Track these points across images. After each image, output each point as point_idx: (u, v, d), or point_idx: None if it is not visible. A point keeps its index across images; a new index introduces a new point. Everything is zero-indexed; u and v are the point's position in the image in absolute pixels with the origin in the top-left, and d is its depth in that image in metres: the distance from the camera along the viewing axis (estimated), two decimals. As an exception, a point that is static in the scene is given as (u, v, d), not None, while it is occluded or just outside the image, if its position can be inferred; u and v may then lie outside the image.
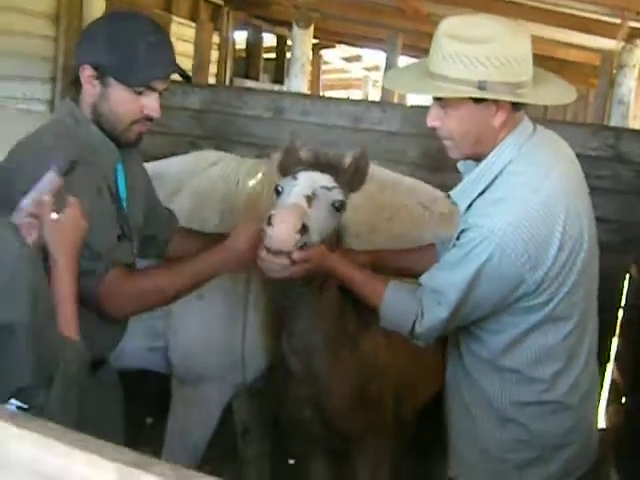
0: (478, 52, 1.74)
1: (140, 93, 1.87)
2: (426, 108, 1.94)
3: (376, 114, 4.25)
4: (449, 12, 5.81)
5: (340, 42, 11.18)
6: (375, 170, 2.37)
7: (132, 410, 2.37)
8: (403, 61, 7.76)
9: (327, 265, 2.02)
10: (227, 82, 8.75)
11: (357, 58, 13.34)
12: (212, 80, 8.50)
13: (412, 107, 4.64)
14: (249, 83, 9.26)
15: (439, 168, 3.48)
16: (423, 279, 1.93)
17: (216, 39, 8.48)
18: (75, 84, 1.94)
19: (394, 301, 1.96)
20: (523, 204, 1.79)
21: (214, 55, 8.52)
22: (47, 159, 1.77)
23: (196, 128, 4.64)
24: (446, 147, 1.91)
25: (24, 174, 1.76)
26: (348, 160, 2.19)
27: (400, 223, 2.72)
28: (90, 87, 1.89)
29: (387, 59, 7.05)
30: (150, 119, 1.92)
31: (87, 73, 1.88)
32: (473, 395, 2.03)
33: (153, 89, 1.89)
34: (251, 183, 2.60)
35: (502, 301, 1.85)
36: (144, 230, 2.18)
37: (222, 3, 8.27)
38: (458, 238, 1.87)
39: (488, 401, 1.98)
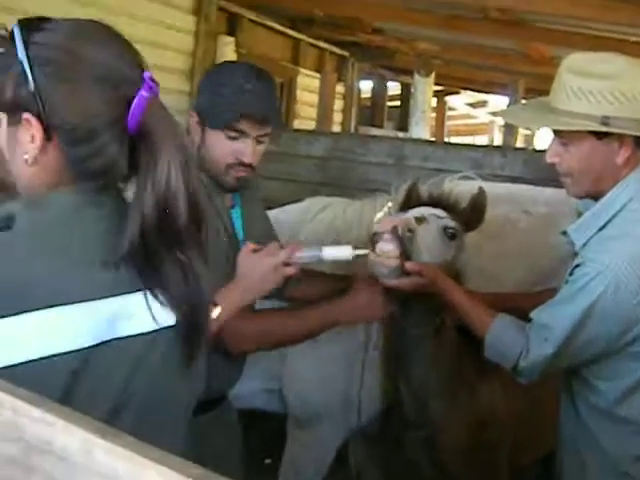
0: (602, 87, 1.73)
1: (234, 138, 1.91)
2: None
3: (497, 159, 4.21)
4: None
5: (465, 88, 11.16)
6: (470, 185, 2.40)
7: (250, 449, 2.44)
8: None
9: (439, 285, 2.00)
10: (352, 130, 8.91)
11: (482, 104, 13.19)
12: (338, 129, 8.71)
13: (534, 151, 4.57)
14: (374, 131, 9.39)
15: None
16: (534, 314, 1.88)
17: (342, 89, 8.71)
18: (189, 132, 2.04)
19: (501, 332, 1.92)
20: None
21: (340, 104, 8.74)
22: None
23: (319, 175, 4.76)
24: (565, 184, 1.89)
25: None
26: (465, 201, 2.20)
27: (506, 237, 2.67)
28: (195, 133, 1.97)
29: (509, 104, 6.99)
30: (246, 165, 1.95)
31: (192, 120, 1.97)
32: (587, 445, 1.93)
33: (246, 134, 1.92)
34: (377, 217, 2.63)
35: (614, 342, 1.78)
36: None
37: (347, 55, 8.49)
38: (572, 274, 1.83)
39: (603, 452, 1.89)
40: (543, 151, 4.05)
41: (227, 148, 1.92)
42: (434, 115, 12.02)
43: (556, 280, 2.54)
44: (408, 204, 2.22)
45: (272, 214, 2.94)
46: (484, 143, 13.97)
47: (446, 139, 13.52)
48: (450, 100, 12.52)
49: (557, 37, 5.12)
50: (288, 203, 3.17)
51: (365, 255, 1.94)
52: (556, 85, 1.82)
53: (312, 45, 7.78)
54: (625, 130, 1.74)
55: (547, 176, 4.02)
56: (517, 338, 1.87)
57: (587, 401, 1.92)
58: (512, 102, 6.80)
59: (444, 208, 2.15)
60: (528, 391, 2.52)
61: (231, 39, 6.23)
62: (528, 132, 16.73)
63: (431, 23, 5.76)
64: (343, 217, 2.72)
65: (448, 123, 13.38)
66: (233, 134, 1.91)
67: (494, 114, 13.65)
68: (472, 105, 13.49)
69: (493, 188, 2.59)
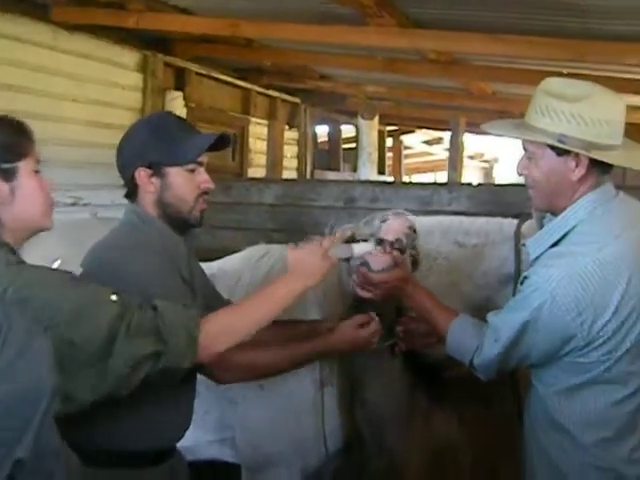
0: (564, 108, 1.89)
1: (193, 171, 2.06)
2: (490, 187, 2.06)
3: (444, 196, 4.31)
4: (513, 89, 5.93)
5: (419, 127, 11.39)
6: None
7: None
8: (467, 139, 7.85)
9: (409, 284, 2.21)
10: (308, 174, 9.03)
11: (438, 140, 13.43)
12: (294, 174, 8.82)
13: (478, 186, 4.67)
14: (330, 174, 9.53)
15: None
16: (489, 315, 2.06)
17: (296, 135, 8.85)
18: (130, 194, 2.11)
19: (461, 329, 2.11)
20: (582, 260, 1.85)
21: (295, 150, 8.88)
22: (136, 257, 1.94)
23: (271, 222, 4.82)
24: (531, 197, 2.07)
25: (117, 275, 1.89)
26: None
27: (440, 271, 2.69)
28: (150, 186, 2.06)
29: (452, 138, 7.17)
30: (206, 193, 2.11)
31: (143, 174, 2.04)
32: (539, 459, 2.04)
33: (201, 164, 2.09)
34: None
35: (553, 351, 1.91)
36: None
37: (299, 101, 8.64)
38: (522, 284, 1.98)
39: (550, 464, 2.00)
40: (484, 185, 4.13)
41: (192, 182, 2.07)
42: (390, 155, 12.23)
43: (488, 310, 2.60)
44: None
45: (218, 264, 3.00)
46: (442, 180, 14.16)
47: (406, 177, 13.73)
48: (406, 139, 12.73)
49: (493, 74, 5.31)
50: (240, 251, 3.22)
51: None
52: (530, 103, 2.00)
53: (262, 94, 7.89)
54: (576, 149, 1.90)
55: (491, 209, 4.17)
56: (473, 336, 2.07)
57: (536, 408, 2.05)
58: (454, 136, 6.98)
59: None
60: (486, 424, 2.56)
61: (179, 93, 6.33)
62: (486, 165, 17.08)
63: (373, 67, 5.92)
64: (282, 263, 2.77)
65: (406, 162, 13.59)
66: (192, 166, 2.06)
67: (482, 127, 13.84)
68: (428, 142, 13.72)
69: (423, 221, 2.65)
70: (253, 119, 7.84)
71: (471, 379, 2.15)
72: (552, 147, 1.92)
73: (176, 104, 6.25)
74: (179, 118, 2.20)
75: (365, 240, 2.18)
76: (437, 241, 2.66)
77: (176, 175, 2.05)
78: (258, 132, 8.02)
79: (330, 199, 4.65)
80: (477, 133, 9.11)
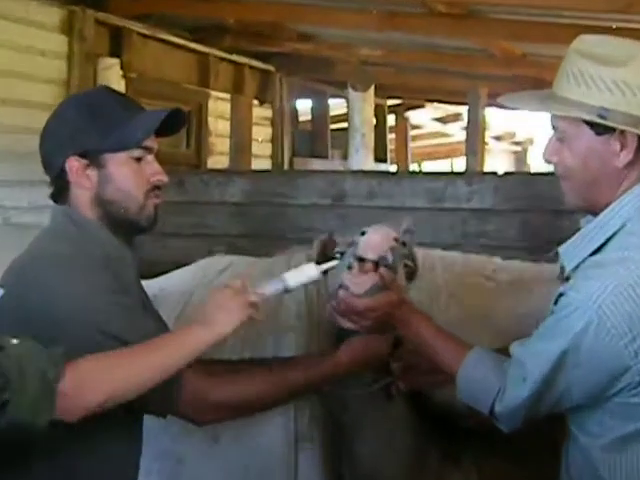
0: (605, 74, 1.85)
1: (139, 160, 2.05)
2: (520, 176, 2.04)
3: (462, 188, 4.31)
4: (548, 50, 5.95)
5: (429, 100, 11.42)
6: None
7: None
8: (490, 115, 7.85)
9: (405, 308, 2.15)
10: (286, 164, 9.03)
11: (455, 117, 13.32)
12: (268, 164, 8.82)
13: (505, 175, 4.67)
14: (314, 163, 9.52)
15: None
16: (513, 347, 1.98)
17: (269, 112, 8.85)
18: (58, 194, 2.09)
19: (475, 369, 2.02)
20: (634, 269, 1.81)
21: (269, 132, 8.89)
22: (70, 271, 1.94)
23: (236, 226, 4.80)
24: (563, 191, 2.02)
25: (44, 296, 1.89)
26: None
27: (462, 303, 2.72)
28: (85, 180, 2.04)
29: (470, 113, 7.17)
30: (158, 188, 2.09)
31: (76, 165, 2.02)
32: None
33: (150, 150, 2.07)
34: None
35: (598, 390, 1.86)
36: None
37: (272, 69, 8.65)
38: (556, 303, 1.92)
39: None
40: (514, 174, 4.20)
41: (139, 173, 2.06)
42: (393, 137, 12.25)
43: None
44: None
45: (160, 282, 2.98)
46: (460, 168, 14.19)
47: (414, 166, 13.74)
48: (413, 116, 12.73)
49: (521, 30, 5.29)
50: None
51: (333, 267, 2.11)
52: (561, 67, 1.95)
53: (225, 60, 7.88)
54: (622, 126, 1.85)
55: (523, 205, 4.16)
56: (493, 376, 1.97)
57: (577, 464, 1.99)
58: (472, 114, 6.99)
59: None
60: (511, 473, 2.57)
61: (115, 61, 6.32)
62: (518, 149, 17.18)
63: (367, 24, 5.92)
64: (249, 279, 2.76)
65: (414, 145, 13.60)
66: (138, 153, 2.04)
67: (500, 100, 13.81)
68: (442, 120, 13.69)
69: (449, 256, 2.74)
70: (213, 93, 7.86)
71: (494, 425, 2.14)
72: (590, 124, 1.89)
73: (111, 74, 6.24)
74: (120, 94, 2.22)
75: (335, 258, 2.15)
76: (464, 272, 2.73)
77: (118, 164, 2.04)
78: (220, 110, 8.04)
79: (314, 195, 4.62)
80: (504, 107, 9.12)
